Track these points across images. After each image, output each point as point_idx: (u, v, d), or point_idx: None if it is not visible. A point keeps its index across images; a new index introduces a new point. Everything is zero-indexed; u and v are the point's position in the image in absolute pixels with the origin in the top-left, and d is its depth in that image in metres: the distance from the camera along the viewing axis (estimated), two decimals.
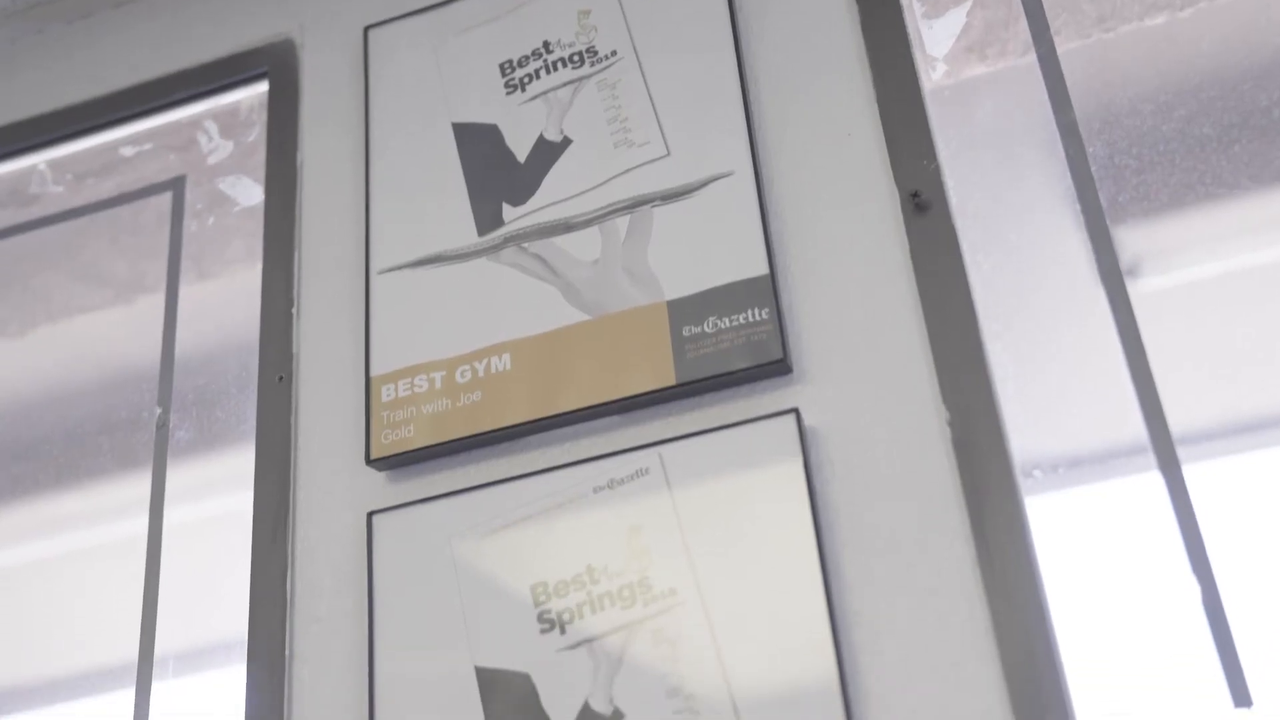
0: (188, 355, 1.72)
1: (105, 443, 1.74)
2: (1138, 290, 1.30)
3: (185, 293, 1.79)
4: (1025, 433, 1.26)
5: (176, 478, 1.63)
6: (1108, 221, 1.33)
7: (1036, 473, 1.26)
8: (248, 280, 1.73)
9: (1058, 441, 1.28)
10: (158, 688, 1.51)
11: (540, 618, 1.28)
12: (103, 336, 1.93)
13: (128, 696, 1.52)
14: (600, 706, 1.22)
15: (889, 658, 1.17)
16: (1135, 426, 1.24)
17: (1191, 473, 1.20)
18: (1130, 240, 1.33)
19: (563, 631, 1.27)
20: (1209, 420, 1.26)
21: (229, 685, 1.44)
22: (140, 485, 1.64)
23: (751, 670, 1.19)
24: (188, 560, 1.58)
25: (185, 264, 1.82)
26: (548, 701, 1.24)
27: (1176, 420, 1.23)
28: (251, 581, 1.42)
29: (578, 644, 1.26)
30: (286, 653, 1.37)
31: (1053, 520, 1.22)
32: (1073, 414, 1.30)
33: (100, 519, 1.76)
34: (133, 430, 1.71)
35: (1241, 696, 1.11)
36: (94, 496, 1.78)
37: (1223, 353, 1.28)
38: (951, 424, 1.24)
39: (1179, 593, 1.17)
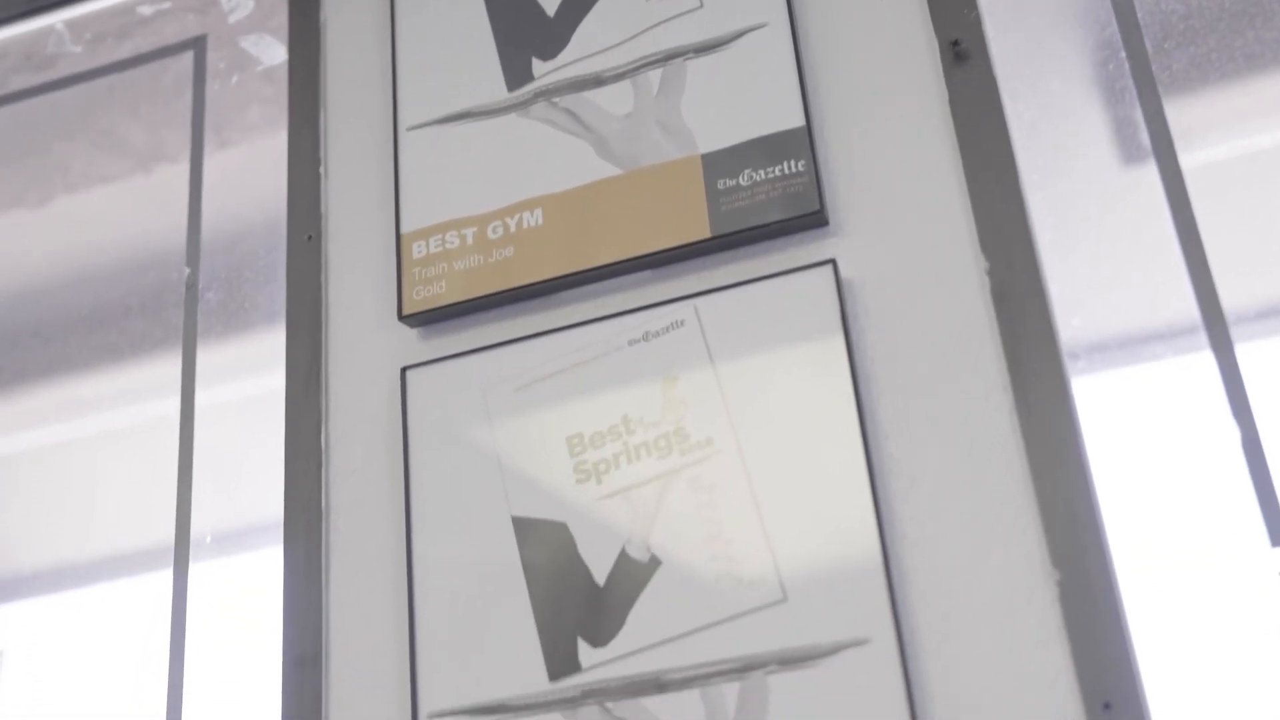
0: (213, 218, 1.71)
1: (134, 303, 1.74)
2: (1184, 153, 1.27)
3: (208, 160, 1.78)
4: (1064, 282, 1.25)
5: (207, 356, 1.63)
6: (1154, 68, 1.30)
7: (1075, 321, 1.25)
8: (271, 146, 1.71)
9: (1095, 291, 1.28)
10: (195, 568, 1.53)
11: (576, 468, 1.29)
12: (124, 206, 1.92)
13: (166, 577, 1.54)
14: (637, 554, 1.23)
15: (926, 504, 1.18)
16: (1179, 282, 1.23)
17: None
18: (1181, 108, 1.30)
19: (599, 481, 1.27)
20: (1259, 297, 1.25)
21: (267, 563, 1.45)
22: (171, 364, 1.64)
23: (788, 517, 1.20)
24: (221, 441, 1.59)
25: (207, 132, 1.80)
26: (585, 550, 1.25)
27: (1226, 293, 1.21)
28: (286, 436, 1.43)
29: (614, 493, 1.27)
30: (323, 504, 1.38)
31: (1095, 394, 1.22)
32: (1112, 262, 1.29)
33: (132, 399, 1.77)
34: (160, 299, 1.71)
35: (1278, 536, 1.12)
36: (125, 375, 1.78)
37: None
38: (991, 273, 1.23)
39: (1219, 441, 1.17)
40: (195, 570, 1.52)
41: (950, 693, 1.12)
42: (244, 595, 1.52)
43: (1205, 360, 1.21)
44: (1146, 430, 1.23)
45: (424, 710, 1.24)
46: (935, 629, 1.14)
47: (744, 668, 1.16)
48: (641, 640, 1.21)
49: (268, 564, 1.45)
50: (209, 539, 1.54)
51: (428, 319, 1.41)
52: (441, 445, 1.34)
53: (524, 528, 1.28)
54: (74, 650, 1.67)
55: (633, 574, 1.23)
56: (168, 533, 1.54)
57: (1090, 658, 1.09)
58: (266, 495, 1.47)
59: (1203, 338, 1.21)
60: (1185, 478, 1.19)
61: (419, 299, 1.41)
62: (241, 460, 1.59)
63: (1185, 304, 1.23)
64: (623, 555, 1.24)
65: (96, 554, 1.70)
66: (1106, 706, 1.07)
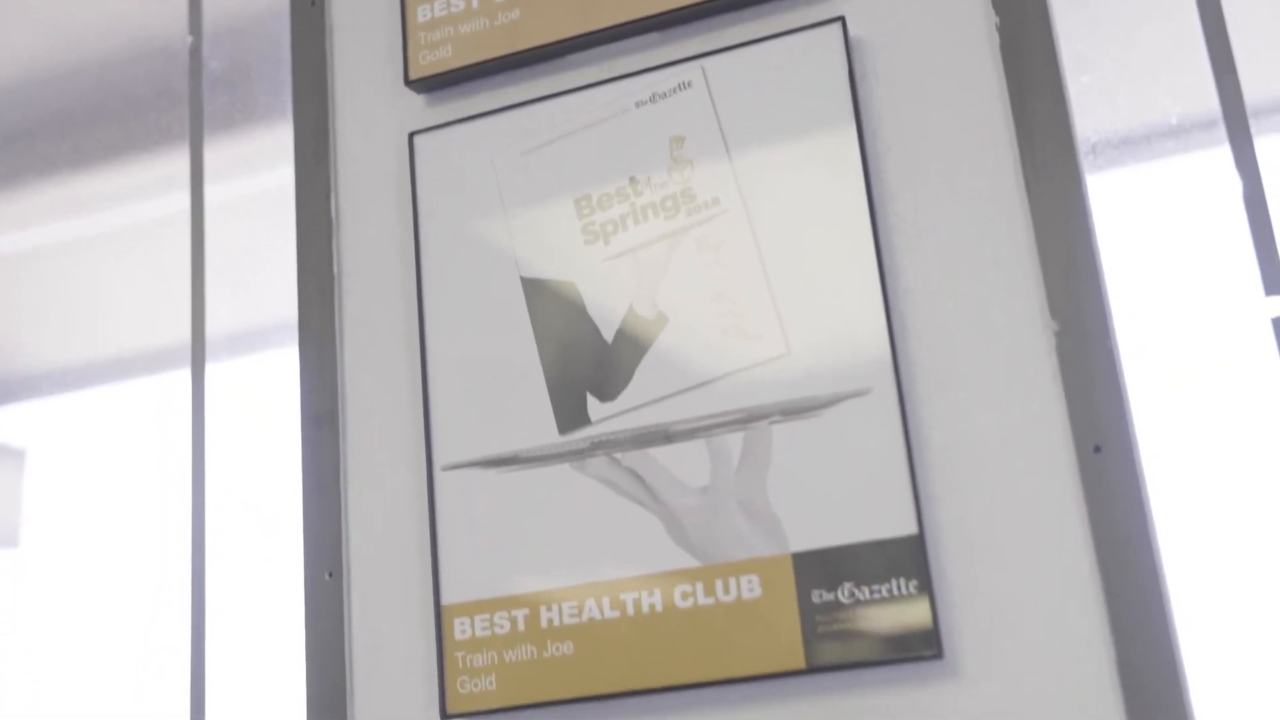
0: None
1: (138, 85, 1.73)
2: None
3: None
4: (1075, 40, 1.24)
5: (215, 153, 1.62)
6: None
7: (1084, 79, 1.25)
8: None
9: (1106, 49, 1.27)
10: (212, 367, 1.56)
11: (584, 230, 1.30)
12: None
13: (184, 376, 1.57)
14: (645, 311, 1.26)
15: (930, 260, 1.20)
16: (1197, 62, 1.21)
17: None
18: None
19: (607, 242, 1.29)
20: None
21: (283, 363, 1.48)
22: (179, 160, 1.63)
23: (793, 273, 1.22)
24: (232, 238, 1.60)
25: None
26: (593, 308, 1.28)
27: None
28: (297, 205, 1.44)
29: (622, 253, 1.28)
30: (335, 269, 1.41)
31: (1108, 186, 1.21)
32: (1126, 26, 1.27)
33: (140, 195, 1.76)
34: (163, 88, 1.69)
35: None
36: (132, 171, 1.77)
37: None
38: (1000, 28, 1.22)
39: (1226, 223, 1.18)
40: (212, 369, 1.55)
41: (946, 439, 1.15)
42: (261, 394, 1.55)
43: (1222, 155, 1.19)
44: (1155, 217, 1.23)
45: (439, 463, 1.29)
46: (934, 379, 1.17)
47: (748, 418, 1.20)
48: (648, 394, 1.24)
49: (284, 363, 1.48)
50: (224, 339, 1.56)
51: (434, 84, 1.40)
52: (450, 209, 1.35)
53: (533, 288, 1.31)
54: (92, 449, 1.71)
55: (640, 331, 1.26)
56: (183, 332, 1.57)
57: (1083, 404, 1.12)
58: (279, 296, 1.48)
59: (1220, 131, 1.20)
60: (1188, 252, 1.20)
61: (425, 64, 1.40)
62: (253, 258, 1.60)
63: (1204, 92, 1.21)
64: (630, 313, 1.27)
65: (110, 353, 1.73)
66: (1097, 449, 1.11)
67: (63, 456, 1.75)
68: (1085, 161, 1.19)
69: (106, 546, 1.66)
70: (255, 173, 1.64)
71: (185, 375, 1.57)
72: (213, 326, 1.56)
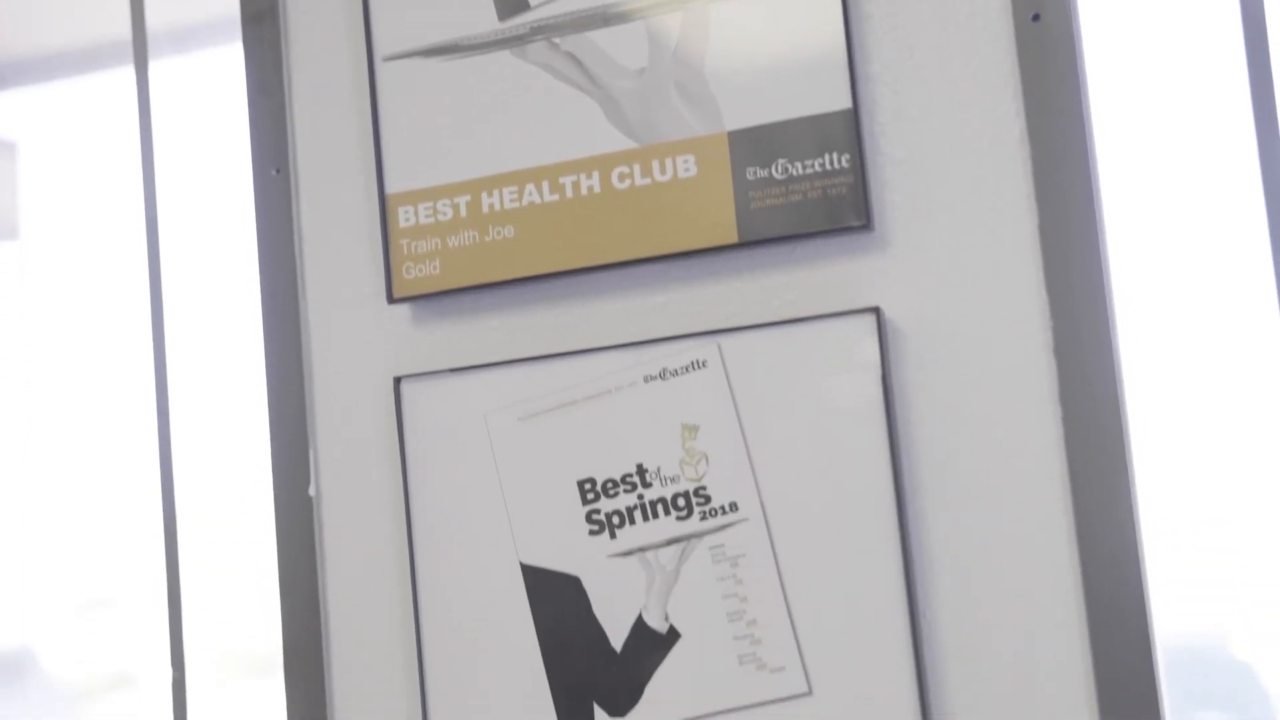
0: None
1: None
2: None
3: None
4: None
5: None
6: None
7: None
8: None
9: None
10: (155, 65, 1.50)
11: None
12: None
13: (128, 74, 1.51)
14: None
15: None
16: None
17: None
18: None
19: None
20: None
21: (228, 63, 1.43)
22: None
23: None
24: None
25: None
26: None
27: None
28: None
29: None
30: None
31: None
32: None
33: None
34: None
35: None
36: None
37: None
38: None
39: None
40: (155, 67, 1.50)
41: (884, 11, 1.14)
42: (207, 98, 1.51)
43: None
44: None
45: (379, 53, 1.27)
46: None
47: None
48: None
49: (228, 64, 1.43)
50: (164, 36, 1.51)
51: None
52: None
53: None
54: (80, 139, 1.68)
55: None
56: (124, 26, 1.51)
57: None
58: None
59: None
60: None
61: None
62: None
63: None
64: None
65: (55, 47, 1.67)
66: (1035, 18, 1.09)
67: (55, 148, 1.72)
68: None
69: (96, 233, 1.65)
70: None
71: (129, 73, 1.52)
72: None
